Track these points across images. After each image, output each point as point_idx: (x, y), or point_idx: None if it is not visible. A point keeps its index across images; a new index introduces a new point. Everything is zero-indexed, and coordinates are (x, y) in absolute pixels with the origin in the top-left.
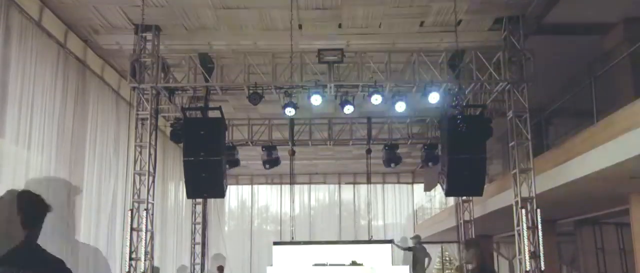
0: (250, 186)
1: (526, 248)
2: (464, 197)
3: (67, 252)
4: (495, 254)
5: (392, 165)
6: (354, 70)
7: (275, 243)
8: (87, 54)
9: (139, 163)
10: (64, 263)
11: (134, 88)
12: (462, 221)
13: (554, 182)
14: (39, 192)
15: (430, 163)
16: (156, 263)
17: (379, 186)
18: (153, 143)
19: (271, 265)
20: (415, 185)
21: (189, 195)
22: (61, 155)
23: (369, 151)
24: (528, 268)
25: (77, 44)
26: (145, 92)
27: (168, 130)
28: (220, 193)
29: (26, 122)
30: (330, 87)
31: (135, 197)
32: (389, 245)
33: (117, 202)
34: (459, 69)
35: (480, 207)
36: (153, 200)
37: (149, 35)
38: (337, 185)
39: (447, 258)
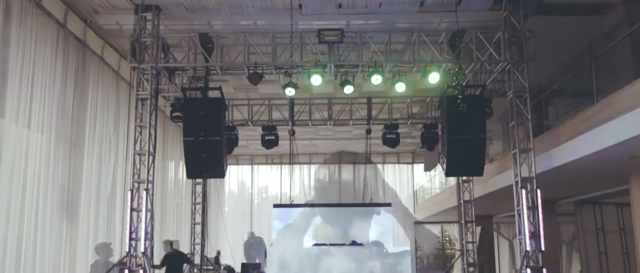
0: (250, 166)
1: (526, 228)
2: (464, 177)
3: (68, 233)
4: (495, 234)
5: (396, 144)
6: (354, 50)
7: (276, 206)
8: (87, 34)
9: (139, 144)
10: None
11: (134, 68)
12: (462, 201)
13: (554, 162)
14: (41, 174)
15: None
16: (156, 243)
17: (379, 166)
18: (153, 123)
19: (271, 245)
20: (415, 165)
21: (189, 175)
22: (61, 135)
23: (368, 131)
24: (528, 248)
25: (77, 24)
26: (145, 72)
27: (168, 110)
28: (220, 173)
29: (26, 102)
30: (330, 67)
31: (135, 177)
32: (390, 225)
33: (117, 182)
34: (459, 49)
35: (480, 187)
36: (153, 180)
37: (149, 15)
38: (337, 165)
39: (447, 238)
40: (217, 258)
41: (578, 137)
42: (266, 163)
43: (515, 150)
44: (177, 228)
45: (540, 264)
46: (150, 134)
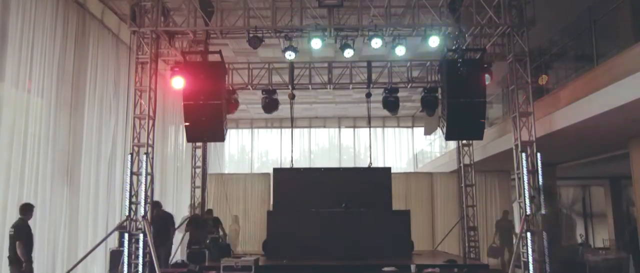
0: (250, 130)
1: (526, 191)
2: (464, 141)
3: (68, 196)
4: None
5: (397, 108)
6: (353, 14)
7: (276, 170)
8: None
9: (139, 107)
10: None
11: (133, 32)
12: (462, 165)
13: (553, 125)
14: (40, 138)
15: (427, 108)
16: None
17: (379, 130)
18: (153, 87)
19: (270, 210)
20: (415, 129)
21: (189, 139)
22: (61, 98)
23: (368, 95)
24: (528, 212)
25: None
26: (145, 36)
27: (168, 74)
28: (220, 137)
29: (26, 66)
30: (330, 31)
31: (135, 141)
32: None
33: (116, 146)
34: (459, 13)
35: (480, 150)
36: (153, 144)
37: None
38: (337, 129)
39: None
40: (213, 219)
41: (578, 101)
42: (266, 127)
43: (515, 114)
44: (177, 192)
45: (541, 227)
46: (150, 98)
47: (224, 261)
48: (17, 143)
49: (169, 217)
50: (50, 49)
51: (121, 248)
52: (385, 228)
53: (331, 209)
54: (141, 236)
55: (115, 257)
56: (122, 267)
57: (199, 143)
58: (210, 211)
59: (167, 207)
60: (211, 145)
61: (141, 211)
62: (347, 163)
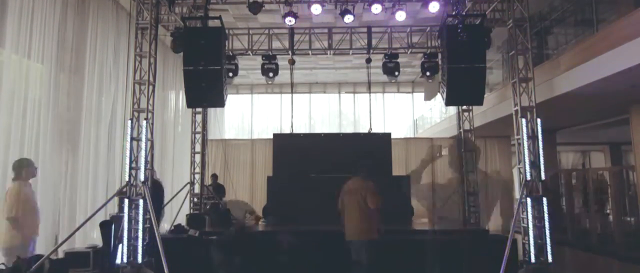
0: (250, 95)
1: (526, 157)
2: (464, 106)
3: (68, 162)
4: None
5: (397, 73)
6: None
7: (276, 135)
8: None
9: (139, 73)
10: None
11: None
12: (462, 130)
13: (554, 91)
14: (41, 103)
15: (428, 73)
16: (157, 174)
17: (379, 95)
18: (153, 52)
19: (271, 175)
20: (415, 95)
21: (189, 105)
22: (61, 64)
23: (369, 60)
24: (528, 178)
25: None
26: (145, 1)
27: (168, 40)
28: (221, 103)
29: (26, 32)
30: None
31: (135, 106)
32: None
33: (116, 112)
34: None
35: (480, 116)
36: (153, 109)
37: None
38: (337, 95)
39: None
40: (215, 184)
41: (578, 67)
42: (266, 92)
43: (515, 79)
44: (177, 157)
45: (540, 193)
46: (150, 63)
47: None
48: (17, 108)
49: (158, 185)
50: (51, 14)
51: (121, 214)
52: (385, 194)
53: (331, 174)
54: (141, 201)
55: (115, 222)
56: (122, 232)
57: (199, 109)
58: (215, 176)
59: (167, 173)
60: (211, 111)
61: (141, 176)
62: (347, 129)
